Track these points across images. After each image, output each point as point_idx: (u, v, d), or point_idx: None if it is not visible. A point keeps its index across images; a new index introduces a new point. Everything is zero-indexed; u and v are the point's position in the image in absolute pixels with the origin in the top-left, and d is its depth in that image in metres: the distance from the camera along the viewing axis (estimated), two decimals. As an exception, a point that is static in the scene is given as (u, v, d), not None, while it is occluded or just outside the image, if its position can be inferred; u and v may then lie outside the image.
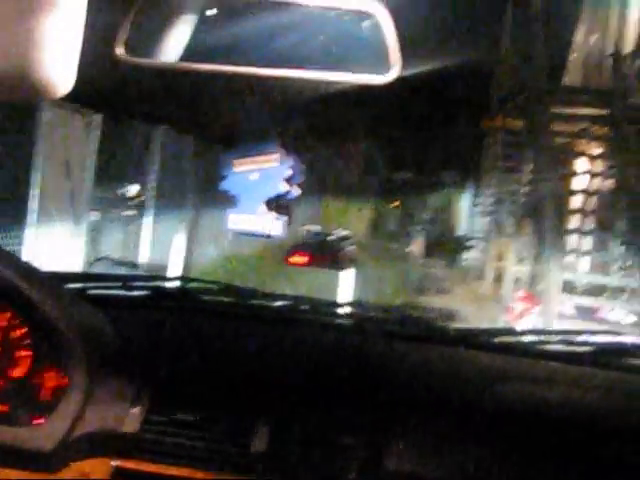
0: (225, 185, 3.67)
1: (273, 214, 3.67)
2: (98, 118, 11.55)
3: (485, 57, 19.69)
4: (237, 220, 3.67)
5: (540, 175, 13.61)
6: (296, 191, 3.70)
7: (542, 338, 2.57)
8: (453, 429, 1.94)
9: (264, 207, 3.64)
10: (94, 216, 12.26)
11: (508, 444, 1.90)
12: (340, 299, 5.99)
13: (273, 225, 3.66)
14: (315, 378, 2.12)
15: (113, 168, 13.00)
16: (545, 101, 13.95)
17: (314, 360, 2.26)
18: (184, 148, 15.11)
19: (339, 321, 2.71)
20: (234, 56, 1.95)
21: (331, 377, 2.14)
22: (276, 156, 3.68)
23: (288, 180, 3.68)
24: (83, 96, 8.74)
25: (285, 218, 3.69)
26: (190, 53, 1.99)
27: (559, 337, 2.53)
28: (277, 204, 3.64)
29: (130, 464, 1.92)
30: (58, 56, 1.01)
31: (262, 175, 3.71)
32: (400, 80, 1.87)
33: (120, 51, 1.96)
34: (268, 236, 3.70)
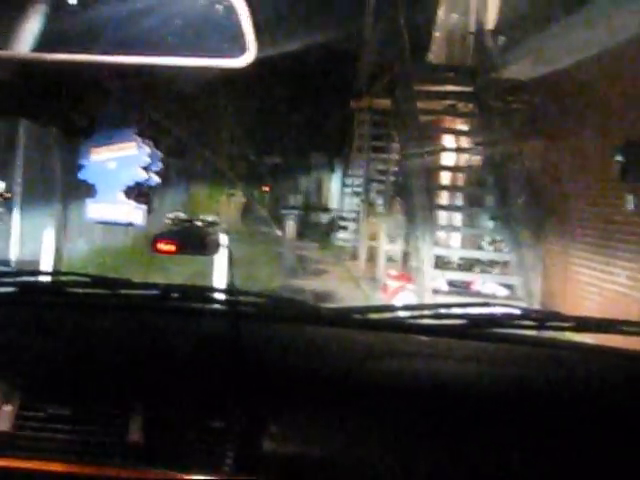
0: (83, 175, 3.61)
1: (132, 203, 3.62)
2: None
3: (350, 37, 19.83)
4: (96, 210, 3.61)
5: (408, 153, 13.74)
6: (155, 179, 3.65)
7: (414, 313, 2.60)
8: (326, 408, 1.94)
9: (123, 196, 3.58)
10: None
11: (382, 419, 1.91)
12: (214, 285, 5.98)
13: (133, 214, 3.61)
14: (189, 364, 2.10)
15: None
16: (410, 79, 14.09)
17: (187, 347, 2.24)
18: (48, 141, 14.84)
19: (212, 307, 2.69)
20: (89, 44, 1.91)
21: (204, 362, 2.13)
22: (133, 144, 3.63)
23: (146, 168, 3.63)
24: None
25: (145, 207, 3.64)
26: (45, 42, 1.94)
27: (431, 311, 2.55)
28: (136, 192, 3.60)
29: (4, 462, 1.88)
30: None
31: (120, 163, 3.66)
32: (264, 64, 1.86)
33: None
34: (129, 224, 3.64)
